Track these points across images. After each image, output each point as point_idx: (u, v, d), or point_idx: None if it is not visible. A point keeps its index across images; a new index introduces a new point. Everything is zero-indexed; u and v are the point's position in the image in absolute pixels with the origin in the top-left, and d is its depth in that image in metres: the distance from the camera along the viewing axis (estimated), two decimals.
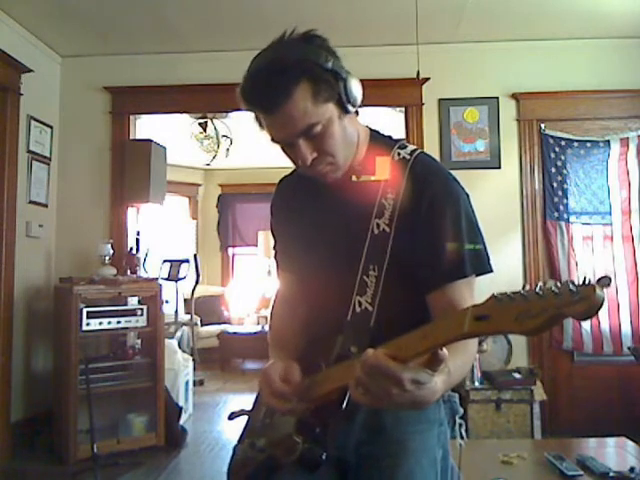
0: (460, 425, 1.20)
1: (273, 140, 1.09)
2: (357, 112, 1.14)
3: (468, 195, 1.13)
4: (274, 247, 1.36)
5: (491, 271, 1.10)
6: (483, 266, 1.09)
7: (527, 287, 0.67)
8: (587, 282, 0.62)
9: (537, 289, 0.65)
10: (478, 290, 1.10)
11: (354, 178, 1.14)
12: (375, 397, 0.82)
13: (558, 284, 0.64)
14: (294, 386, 1.05)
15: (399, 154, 1.14)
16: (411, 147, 1.17)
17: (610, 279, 0.64)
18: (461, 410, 1.22)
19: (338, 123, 1.06)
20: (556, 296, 0.63)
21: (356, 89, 1.08)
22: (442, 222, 1.07)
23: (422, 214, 1.07)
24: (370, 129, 1.21)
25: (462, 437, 1.20)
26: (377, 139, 1.19)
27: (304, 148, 1.05)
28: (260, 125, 1.10)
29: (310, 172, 1.11)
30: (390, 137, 1.21)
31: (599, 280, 0.63)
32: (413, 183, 1.09)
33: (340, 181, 1.14)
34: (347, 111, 1.07)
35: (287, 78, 0.99)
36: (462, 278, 1.06)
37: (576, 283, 0.63)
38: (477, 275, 1.09)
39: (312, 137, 1.04)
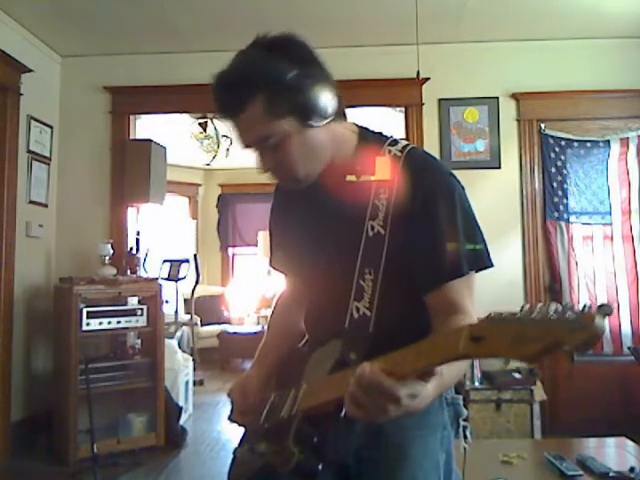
0: (465, 428, 1.18)
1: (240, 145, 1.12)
2: (345, 115, 1.12)
3: (464, 188, 1.09)
4: (270, 249, 1.36)
5: (491, 266, 1.06)
6: (482, 262, 1.06)
7: (526, 307, 0.63)
8: (587, 309, 0.58)
9: (533, 312, 0.61)
10: (479, 290, 1.09)
11: (349, 178, 1.11)
12: (370, 412, 0.81)
13: (556, 308, 0.60)
14: (250, 401, 1.17)
15: (390, 151, 1.10)
16: (403, 143, 1.13)
17: (612, 308, 0.60)
18: (465, 412, 1.19)
19: (297, 137, 1.04)
20: (553, 323, 0.59)
21: (324, 99, 1.03)
22: (436, 219, 1.03)
23: (416, 212, 1.04)
24: (359, 127, 1.17)
25: (466, 439, 1.18)
26: (367, 137, 1.15)
27: (262, 156, 1.08)
28: None
29: (274, 179, 1.13)
30: (381, 134, 1.17)
31: (600, 307, 0.58)
32: (405, 180, 1.06)
33: (334, 183, 1.12)
34: (311, 124, 1.03)
35: (242, 93, 1.02)
36: (460, 277, 1.03)
37: (575, 309, 0.58)
38: (477, 271, 1.06)
39: (268, 148, 1.05)
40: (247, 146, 1.09)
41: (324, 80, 1.05)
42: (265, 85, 1.00)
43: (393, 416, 0.81)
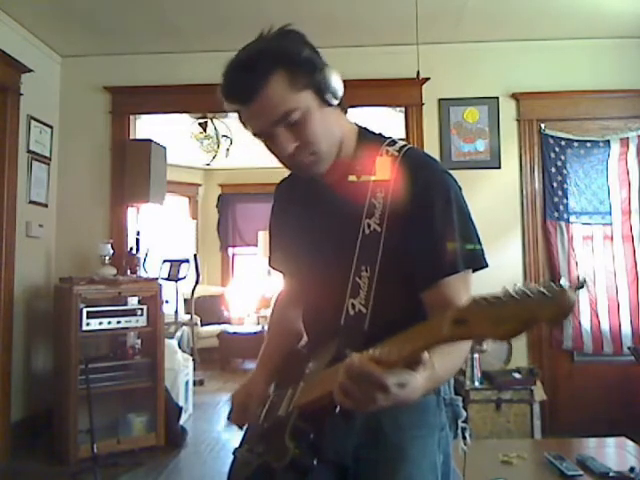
0: (463, 429, 1.18)
1: (255, 134, 1.08)
2: (345, 110, 1.13)
3: (461, 188, 1.10)
4: (269, 249, 1.37)
5: (486, 266, 1.06)
6: (477, 261, 1.06)
7: (507, 289, 0.64)
8: (560, 285, 0.60)
9: (513, 292, 0.63)
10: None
11: (351, 178, 1.12)
12: (359, 402, 0.82)
13: (534, 286, 0.62)
14: (255, 404, 1.20)
15: (387, 151, 1.11)
16: (400, 143, 1.14)
17: (585, 282, 0.62)
18: (464, 413, 1.19)
19: (318, 113, 1.04)
20: (529, 299, 0.61)
21: (335, 80, 1.06)
22: (432, 217, 1.04)
23: (412, 210, 1.04)
24: (359, 127, 1.18)
25: (465, 439, 1.17)
26: (366, 137, 1.16)
27: (284, 137, 1.03)
28: (243, 123, 1.10)
29: (293, 164, 1.09)
30: (380, 134, 1.18)
31: (574, 282, 0.61)
32: (402, 179, 1.06)
33: (334, 182, 1.12)
34: (326, 101, 1.05)
35: (262, 66, 1.00)
36: (455, 274, 1.03)
37: (550, 286, 0.61)
38: (473, 270, 1.06)
39: (291, 125, 1.02)
40: (263, 130, 1.05)
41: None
42: (285, 58, 1.01)
43: (383, 405, 0.81)
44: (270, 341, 1.34)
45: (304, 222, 1.21)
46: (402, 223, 1.05)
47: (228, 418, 1.27)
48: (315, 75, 1.03)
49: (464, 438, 1.18)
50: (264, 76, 0.99)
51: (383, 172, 1.09)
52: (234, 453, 1.19)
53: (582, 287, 0.62)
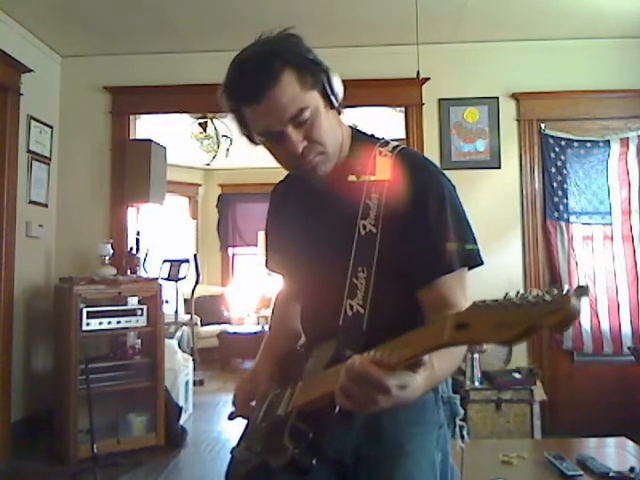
0: (461, 427, 1.18)
1: (260, 135, 1.07)
2: (339, 112, 1.13)
3: (455, 187, 1.11)
4: (266, 251, 1.37)
5: (481, 263, 1.07)
6: (472, 259, 1.06)
7: (509, 294, 0.65)
8: (564, 292, 0.59)
9: (515, 298, 0.63)
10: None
11: (351, 178, 1.13)
12: (360, 403, 0.82)
13: (537, 292, 0.62)
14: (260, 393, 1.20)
15: (381, 152, 1.12)
16: (393, 144, 1.15)
17: (588, 288, 0.61)
18: (461, 411, 1.20)
19: (324, 113, 1.06)
20: (532, 306, 0.61)
21: (337, 83, 1.07)
22: (427, 216, 1.05)
23: (406, 210, 1.05)
24: (352, 128, 1.19)
25: (463, 438, 1.18)
26: (359, 138, 1.17)
27: (294, 136, 1.03)
28: (242, 127, 1.09)
29: (300, 164, 1.07)
30: (372, 135, 1.19)
31: (577, 289, 0.60)
32: (396, 180, 1.07)
33: (327, 183, 1.13)
34: (331, 103, 1.07)
35: (272, 65, 1.00)
36: (450, 272, 1.04)
37: (553, 292, 0.60)
38: (469, 269, 1.07)
39: (301, 124, 1.03)
40: (271, 130, 1.03)
41: None
42: (292, 58, 1.01)
43: (383, 407, 0.82)
44: (270, 339, 1.35)
45: (301, 223, 1.22)
46: (397, 224, 1.06)
47: (229, 418, 1.27)
48: (320, 76, 1.04)
49: (462, 437, 1.18)
50: (275, 74, 0.99)
51: (378, 173, 1.10)
52: (232, 452, 1.19)
53: (586, 295, 0.60)
